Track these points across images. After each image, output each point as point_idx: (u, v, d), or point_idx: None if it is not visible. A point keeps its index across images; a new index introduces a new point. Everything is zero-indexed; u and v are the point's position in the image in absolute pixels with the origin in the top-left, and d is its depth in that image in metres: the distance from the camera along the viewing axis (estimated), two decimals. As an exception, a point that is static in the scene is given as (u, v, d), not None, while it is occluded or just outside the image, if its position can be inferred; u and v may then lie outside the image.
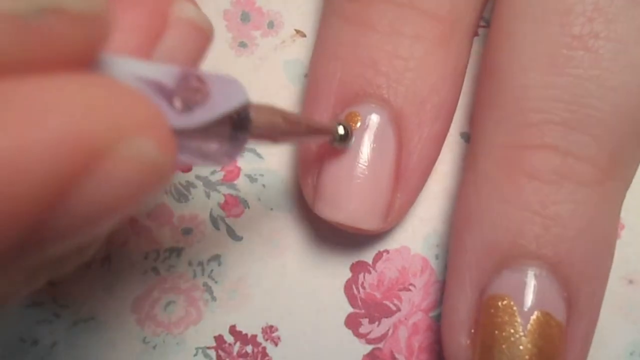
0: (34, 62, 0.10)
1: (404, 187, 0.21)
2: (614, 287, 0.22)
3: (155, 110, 0.11)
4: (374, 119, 0.20)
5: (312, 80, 0.21)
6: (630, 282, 0.23)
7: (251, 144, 0.15)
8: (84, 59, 0.11)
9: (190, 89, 0.13)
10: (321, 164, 0.21)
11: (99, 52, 0.12)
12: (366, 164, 0.20)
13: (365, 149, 0.20)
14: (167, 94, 0.13)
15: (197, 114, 0.13)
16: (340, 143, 0.20)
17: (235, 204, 0.24)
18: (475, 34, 0.22)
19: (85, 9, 0.11)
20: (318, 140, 0.20)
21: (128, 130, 0.10)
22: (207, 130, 0.14)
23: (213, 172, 0.24)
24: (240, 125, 0.14)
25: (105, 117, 0.10)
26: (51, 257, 0.11)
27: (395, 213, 0.21)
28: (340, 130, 0.20)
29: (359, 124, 0.20)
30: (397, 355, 0.23)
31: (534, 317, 0.19)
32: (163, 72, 0.13)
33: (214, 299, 0.23)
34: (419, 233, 0.23)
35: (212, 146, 0.14)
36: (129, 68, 0.13)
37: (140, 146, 0.10)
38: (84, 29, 0.11)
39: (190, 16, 0.16)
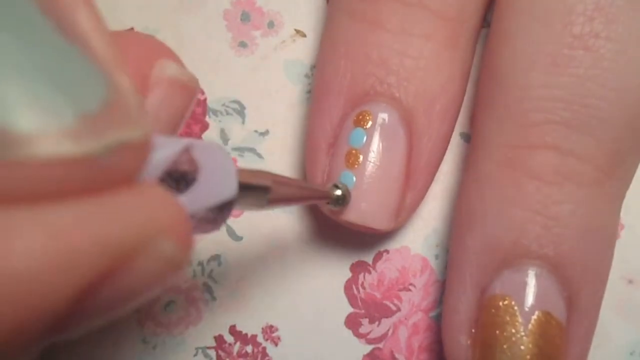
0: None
1: (413, 186, 0.21)
2: (614, 287, 0.22)
3: (180, 212, 0.12)
4: (385, 117, 0.20)
5: (320, 79, 0.21)
6: (630, 282, 0.23)
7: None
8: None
9: (178, 171, 0.13)
10: (331, 163, 0.21)
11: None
12: (377, 163, 0.20)
13: (376, 147, 0.20)
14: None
15: (183, 199, 0.13)
16: (336, 205, 0.20)
17: (235, 204, 0.24)
18: (477, 34, 0.22)
19: (142, 136, 0.11)
20: (313, 203, 0.21)
21: (155, 233, 0.11)
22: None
23: (213, 172, 0.24)
24: (225, 206, 0.14)
25: (136, 222, 0.11)
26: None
27: (406, 212, 0.21)
28: (337, 192, 0.20)
29: (369, 123, 0.20)
30: (397, 355, 0.23)
31: (535, 317, 0.19)
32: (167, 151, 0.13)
33: (214, 299, 0.23)
34: (419, 233, 0.23)
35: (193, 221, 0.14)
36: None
37: (164, 246, 0.11)
38: (140, 154, 0.12)
39: (172, 74, 0.16)
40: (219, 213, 0.14)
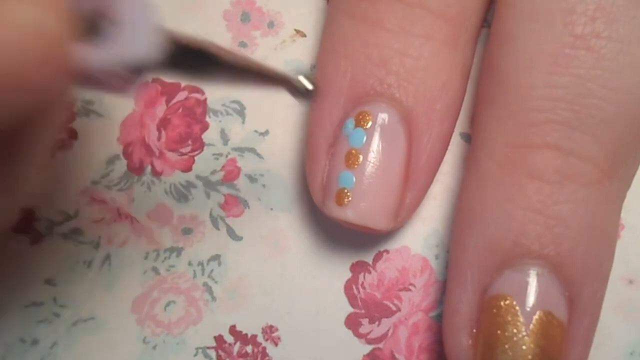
0: None
1: (413, 186, 0.21)
2: (614, 287, 0.22)
3: None
4: (385, 118, 0.20)
5: (321, 79, 0.21)
6: (630, 282, 0.23)
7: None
8: None
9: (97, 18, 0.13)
10: (331, 163, 0.21)
11: None
12: (377, 164, 0.20)
13: (376, 148, 0.20)
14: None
15: (102, 48, 0.13)
16: (299, 96, 0.17)
17: (235, 204, 0.24)
18: (477, 34, 0.22)
19: None
20: (264, 87, 0.17)
21: None
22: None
23: (213, 172, 0.24)
24: (147, 64, 0.13)
25: None
26: None
27: (405, 212, 0.21)
28: (305, 82, 0.17)
29: (369, 123, 0.20)
30: (397, 355, 0.23)
31: (536, 317, 0.19)
32: None
33: (214, 299, 0.23)
34: (419, 233, 0.23)
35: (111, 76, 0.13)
36: None
37: (18, 13, 0.10)
38: None
39: None
40: (138, 73, 0.13)
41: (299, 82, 0.17)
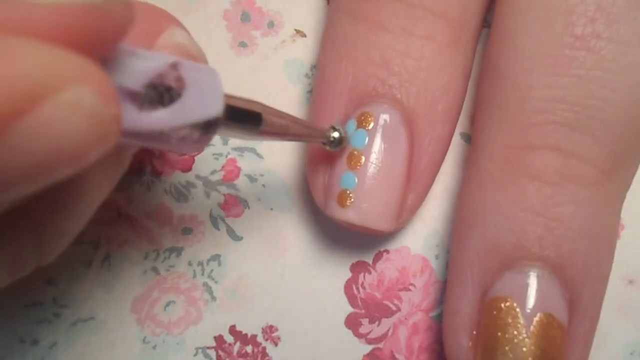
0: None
1: (414, 187, 0.21)
2: (614, 287, 0.22)
3: (88, 62, 0.12)
4: (387, 119, 0.20)
5: (322, 80, 0.21)
6: (630, 282, 0.23)
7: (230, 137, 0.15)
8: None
9: (163, 85, 0.14)
10: (333, 164, 0.21)
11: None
12: (379, 164, 0.20)
13: (377, 149, 0.20)
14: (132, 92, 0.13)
15: (164, 113, 0.13)
16: (332, 147, 0.20)
17: (235, 204, 0.24)
18: (477, 34, 0.22)
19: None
20: (307, 141, 0.20)
21: (65, 78, 0.11)
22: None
23: (213, 172, 0.24)
24: (210, 125, 0.14)
25: (40, 64, 0.11)
26: None
27: (407, 213, 0.21)
28: (334, 134, 0.20)
29: (371, 124, 0.20)
30: (397, 355, 0.23)
31: (536, 318, 0.19)
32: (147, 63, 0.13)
33: (214, 299, 0.23)
34: (419, 233, 0.23)
35: (175, 138, 0.14)
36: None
37: (78, 93, 0.11)
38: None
39: (180, 42, 0.17)
40: (204, 132, 0.14)
41: (333, 137, 0.20)
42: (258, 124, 0.16)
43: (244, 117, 0.16)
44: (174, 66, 0.14)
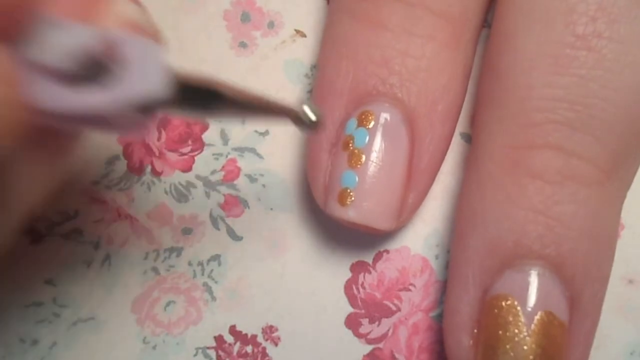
0: None
1: (415, 186, 0.21)
2: (614, 287, 0.22)
3: None
4: (388, 117, 0.20)
5: (322, 79, 0.21)
6: (630, 282, 0.23)
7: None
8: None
9: (96, 62, 0.13)
10: (333, 163, 0.21)
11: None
12: (380, 163, 0.20)
13: (378, 147, 0.20)
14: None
15: (97, 92, 0.12)
16: (303, 127, 0.17)
17: (235, 204, 0.24)
18: (477, 34, 0.22)
19: None
20: (270, 120, 0.17)
21: None
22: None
23: (213, 172, 0.24)
24: (151, 105, 0.13)
25: None
26: None
27: (407, 213, 0.21)
28: (309, 113, 0.16)
29: (372, 123, 0.20)
30: (397, 355, 0.23)
31: (537, 317, 0.19)
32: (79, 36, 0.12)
33: (214, 299, 0.23)
34: (419, 233, 0.23)
35: (113, 119, 0.13)
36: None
37: None
38: None
39: (125, 14, 0.15)
40: (144, 113, 0.13)
41: (304, 114, 0.17)
42: (211, 102, 0.15)
43: (194, 95, 0.14)
44: (108, 40, 0.13)
